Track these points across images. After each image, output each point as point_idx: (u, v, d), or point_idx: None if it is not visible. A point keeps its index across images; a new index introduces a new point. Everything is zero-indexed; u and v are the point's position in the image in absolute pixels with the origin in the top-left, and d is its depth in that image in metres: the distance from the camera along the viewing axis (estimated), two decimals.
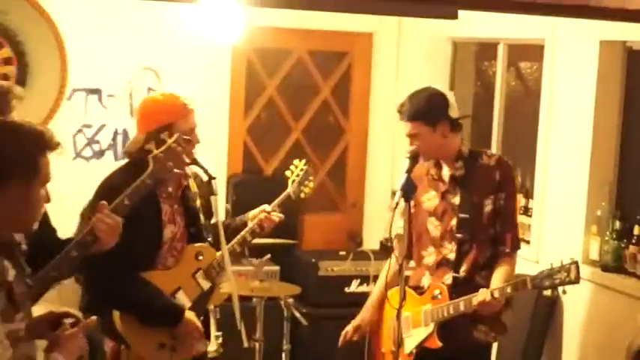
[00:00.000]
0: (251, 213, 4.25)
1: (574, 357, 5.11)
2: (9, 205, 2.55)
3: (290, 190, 4.30)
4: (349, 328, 4.38)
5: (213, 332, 5.24)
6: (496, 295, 3.96)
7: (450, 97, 4.22)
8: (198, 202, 4.03)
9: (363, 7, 3.05)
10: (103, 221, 3.23)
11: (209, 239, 4.04)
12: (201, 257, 3.99)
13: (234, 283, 3.90)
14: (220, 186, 5.05)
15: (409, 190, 3.77)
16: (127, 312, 3.87)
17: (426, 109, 4.14)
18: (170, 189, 3.96)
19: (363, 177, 6.83)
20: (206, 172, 3.90)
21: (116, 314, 3.89)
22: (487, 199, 4.14)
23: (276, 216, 4.19)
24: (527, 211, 5.49)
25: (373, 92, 6.77)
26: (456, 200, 4.17)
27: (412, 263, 4.34)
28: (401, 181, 3.80)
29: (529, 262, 5.26)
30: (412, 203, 4.13)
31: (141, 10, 5.84)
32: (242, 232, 4.15)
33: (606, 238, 4.94)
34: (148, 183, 3.51)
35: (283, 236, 5.63)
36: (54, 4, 5.75)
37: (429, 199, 4.23)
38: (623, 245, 4.87)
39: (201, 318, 4.08)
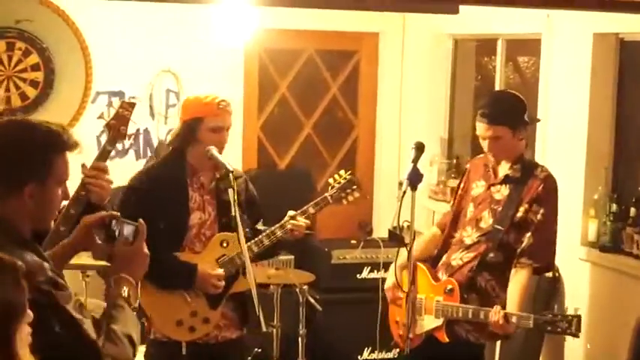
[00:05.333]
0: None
1: None
2: (25, 207, 2.49)
3: (327, 194, 4.24)
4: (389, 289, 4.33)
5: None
6: (513, 319, 3.90)
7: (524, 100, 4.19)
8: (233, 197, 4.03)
9: (372, 4, 3.01)
10: (91, 175, 3.29)
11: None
12: (225, 245, 4.01)
13: (251, 272, 3.85)
14: None
15: (415, 180, 3.70)
16: (148, 279, 3.81)
17: (510, 114, 4.09)
18: (203, 180, 4.03)
19: (371, 169, 6.79)
20: (223, 166, 3.89)
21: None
22: (522, 206, 4.05)
23: (302, 221, 4.13)
24: None
25: (380, 88, 6.73)
26: (498, 195, 4.11)
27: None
28: (407, 171, 3.75)
29: None
30: (462, 186, 4.25)
31: (159, 15, 5.83)
32: (272, 228, 4.10)
33: (604, 220, 4.90)
34: (109, 149, 3.52)
35: None
36: (77, 11, 5.73)
37: (478, 186, 4.21)
38: (620, 227, 4.83)
39: (223, 301, 4.03)
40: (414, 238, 3.82)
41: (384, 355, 5.46)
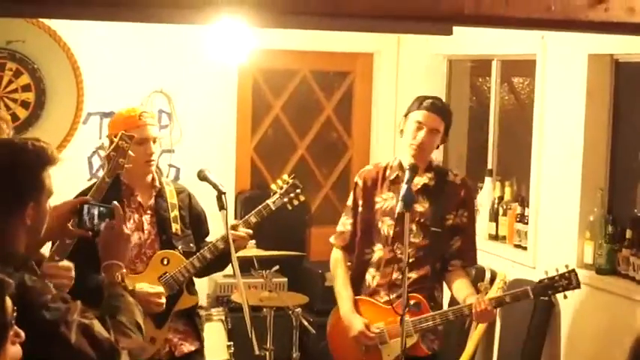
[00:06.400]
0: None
1: (572, 358, 5.08)
2: (23, 227, 2.54)
3: (269, 200, 4.26)
4: (364, 333, 4.24)
5: (225, 342, 5.23)
6: (507, 299, 4.07)
7: None
8: (174, 213, 4.10)
9: (365, 26, 3.06)
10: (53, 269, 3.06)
11: (179, 247, 4.07)
12: (166, 262, 4.03)
13: (243, 294, 3.87)
14: (229, 202, 5.03)
15: (409, 200, 3.76)
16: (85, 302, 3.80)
17: (450, 115, 4.30)
18: (140, 199, 4.07)
19: None
20: (216, 187, 3.93)
21: None
22: (450, 214, 4.24)
23: (244, 231, 4.12)
24: (523, 218, 5.46)
25: (374, 109, 6.77)
26: (418, 207, 4.20)
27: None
28: (401, 192, 3.81)
29: (526, 267, 5.25)
30: (360, 202, 4.32)
31: (151, 35, 5.86)
32: (213, 241, 4.10)
33: (599, 242, 4.91)
34: (107, 181, 3.69)
35: (291, 248, 5.61)
36: (69, 32, 5.76)
37: (385, 199, 4.29)
38: (616, 248, 4.85)
39: (168, 320, 4.05)
40: (407, 259, 3.85)
41: None
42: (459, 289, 4.20)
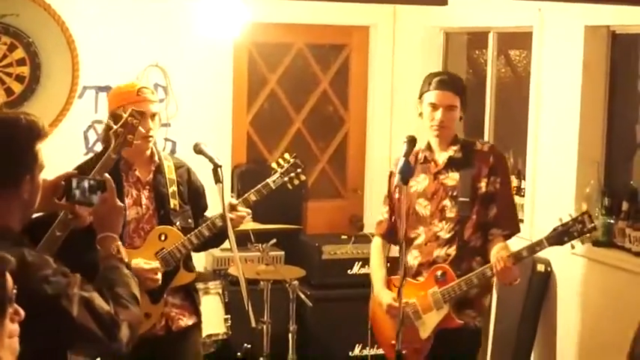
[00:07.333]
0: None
1: (568, 330, 5.10)
2: (19, 201, 2.54)
3: (270, 179, 4.25)
4: (392, 305, 4.16)
5: (222, 315, 5.24)
6: (524, 253, 3.98)
7: None
8: (172, 188, 4.09)
9: None
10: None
11: (177, 223, 4.06)
12: (164, 238, 4.03)
13: (239, 267, 3.88)
14: (225, 176, 5.03)
15: (406, 173, 3.74)
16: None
17: (464, 88, 4.26)
18: (138, 174, 4.07)
19: (362, 164, 6.81)
20: (211, 160, 3.93)
21: None
22: (481, 182, 4.17)
23: (243, 210, 4.12)
24: (519, 191, 5.47)
25: (371, 82, 6.74)
26: (449, 182, 4.18)
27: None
28: (399, 165, 3.79)
29: (523, 240, 5.23)
30: (396, 190, 4.24)
31: (147, 9, 5.85)
32: (211, 219, 4.09)
33: (596, 215, 4.92)
34: (114, 157, 3.64)
35: (288, 222, 5.62)
36: (64, 5, 5.74)
37: (418, 182, 4.25)
38: (612, 221, 4.86)
39: (165, 296, 4.05)
40: (405, 232, 3.84)
41: (375, 351, 5.47)
42: (492, 255, 4.10)
